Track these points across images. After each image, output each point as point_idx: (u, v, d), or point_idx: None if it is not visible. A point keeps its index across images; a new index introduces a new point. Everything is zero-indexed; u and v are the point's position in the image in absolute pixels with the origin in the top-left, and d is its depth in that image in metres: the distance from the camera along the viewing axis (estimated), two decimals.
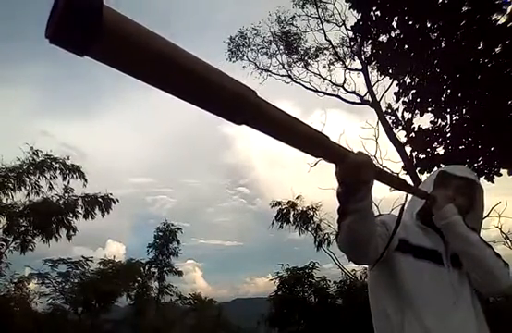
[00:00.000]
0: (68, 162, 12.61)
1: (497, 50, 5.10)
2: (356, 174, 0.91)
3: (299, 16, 14.23)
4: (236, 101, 0.61)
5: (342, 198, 1.00)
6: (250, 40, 14.80)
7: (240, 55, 14.86)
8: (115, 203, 13.44)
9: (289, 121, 0.72)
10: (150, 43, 0.50)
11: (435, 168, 5.14)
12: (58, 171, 12.44)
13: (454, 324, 1.23)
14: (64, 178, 12.51)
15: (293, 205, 13.29)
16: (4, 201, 11.76)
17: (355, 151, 0.91)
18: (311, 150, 0.80)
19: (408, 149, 7.93)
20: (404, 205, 1.23)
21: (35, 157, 12.23)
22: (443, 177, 1.45)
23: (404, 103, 6.10)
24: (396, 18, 5.52)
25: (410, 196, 1.37)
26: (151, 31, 0.51)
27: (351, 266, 12.19)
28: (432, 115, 6.15)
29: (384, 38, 5.88)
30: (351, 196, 0.97)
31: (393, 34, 5.73)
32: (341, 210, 1.04)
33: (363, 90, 13.01)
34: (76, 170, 12.61)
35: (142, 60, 0.51)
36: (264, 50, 14.82)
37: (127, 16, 0.49)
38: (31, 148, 12.18)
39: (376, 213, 1.48)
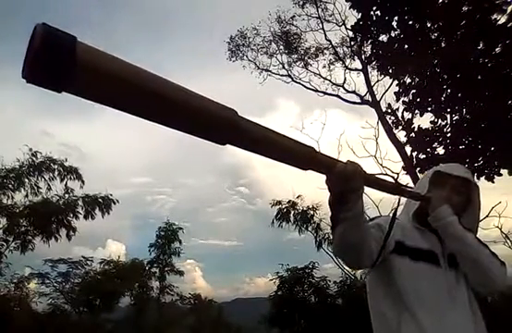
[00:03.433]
0: (67, 163, 12.68)
1: (497, 50, 5.10)
2: (344, 184, 0.91)
3: (299, 15, 14.27)
4: (216, 122, 0.61)
5: (333, 207, 1.01)
6: (250, 39, 14.83)
7: (240, 54, 14.89)
8: (115, 203, 13.49)
9: (273, 138, 0.72)
10: (126, 76, 0.51)
11: None
12: (56, 172, 12.48)
13: (451, 324, 1.24)
14: (62, 180, 12.56)
15: (293, 205, 13.30)
16: (4, 201, 11.79)
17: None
18: (299, 164, 0.80)
19: (408, 149, 7.93)
20: (396, 209, 1.24)
21: (34, 159, 12.28)
22: (438, 176, 1.44)
23: (404, 103, 6.10)
24: (396, 18, 5.52)
25: (404, 199, 1.37)
26: (126, 63, 0.52)
27: None
28: (432, 115, 6.15)
29: (384, 38, 5.88)
30: (342, 205, 0.98)
31: (393, 34, 5.73)
32: (333, 218, 1.05)
33: (363, 90, 13.04)
34: (74, 172, 12.64)
35: (120, 92, 0.51)
36: (264, 50, 14.85)
37: (101, 50, 0.49)
38: (30, 149, 12.24)
39: (377, 213, 1.49)
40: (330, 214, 1.05)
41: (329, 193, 0.97)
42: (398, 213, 1.53)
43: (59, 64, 0.45)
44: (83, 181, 12.79)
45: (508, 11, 4.81)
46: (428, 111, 6.06)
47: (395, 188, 1.12)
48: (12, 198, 11.90)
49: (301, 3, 13.96)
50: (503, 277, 1.31)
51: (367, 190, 1.06)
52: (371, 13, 5.57)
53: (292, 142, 0.76)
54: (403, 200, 1.35)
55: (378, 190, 1.08)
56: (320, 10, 13.90)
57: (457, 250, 1.32)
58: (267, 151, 0.73)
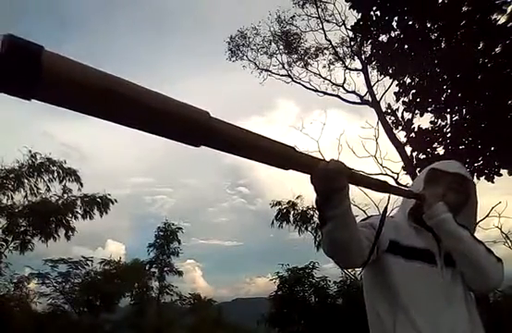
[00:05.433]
0: (66, 165, 12.70)
1: (497, 50, 5.10)
2: (328, 182, 0.91)
3: (299, 15, 14.26)
4: (187, 125, 0.62)
5: (319, 206, 1.01)
6: (250, 39, 14.83)
7: (240, 54, 14.88)
8: (113, 203, 13.51)
9: (249, 138, 0.72)
10: (94, 82, 0.52)
11: None
12: (56, 173, 12.51)
13: (446, 325, 1.22)
14: (60, 182, 12.59)
15: (293, 205, 13.30)
16: (3, 201, 11.81)
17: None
18: (279, 164, 0.80)
19: (408, 149, 7.94)
20: (386, 207, 1.22)
21: (33, 160, 12.30)
22: (433, 174, 1.42)
23: (404, 103, 6.10)
24: (396, 18, 5.52)
25: (397, 197, 1.36)
26: (92, 69, 0.53)
27: None
28: (432, 115, 6.16)
29: (384, 38, 5.88)
30: (327, 204, 0.98)
31: (393, 34, 5.73)
32: (320, 217, 1.05)
33: (363, 90, 13.03)
34: (72, 174, 12.66)
35: (92, 99, 0.53)
36: (264, 50, 14.85)
37: (68, 58, 0.51)
38: (30, 151, 12.26)
39: (377, 213, 1.47)
40: (318, 213, 1.05)
41: (315, 193, 0.97)
42: (395, 211, 1.52)
43: (26, 71, 0.46)
44: (81, 184, 12.85)
45: (508, 11, 4.82)
46: (428, 111, 6.06)
47: (382, 185, 1.11)
48: (12, 198, 11.93)
49: (301, 3, 13.97)
50: (498, 273, 1.29)
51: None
52: (371, 13, 5.57)
53: (270, 142, 0.76)
54: (395, 198, 1.34)
55: (365, 187, 1.07)
56: (320, 10, 13.91)
57: (452, 247, 1.31)
58: (243, 151, 0.73)
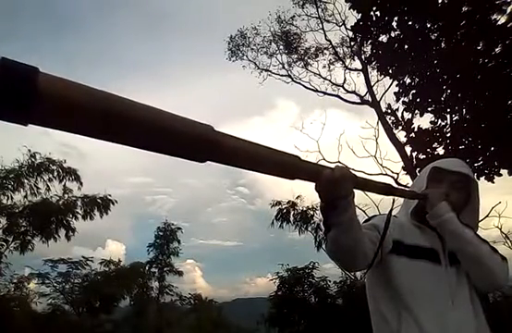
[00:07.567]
0: (65, 164, 12.68)
1: (497, 50, 5.11)
2: (333, 190, 0.90)
3: (299, 15, 14.25)
4: (191, 141, 0.60)
5: (324, 212, 1.02)
6: (250, 39, 14.82)
7: (240, 54, 14.87)
8: (113, 204, 13.46)
9: (253, 150, 0.70)
10: (93, 103, 0.50)
11: None
12: (55, 173, 12.50)
13: (452, 325, 1.21)
14: (60, 181, 12.58)
15: (293, 205, 13.28)
16: (3, 201, 11.80)
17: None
18: (284, 174, 0.79)
19: (408, 149, 7.93)
20: (391, 209, 1.22)
21: (33, 159, 12.29)
22: (436, 172, 1.41)
23: (404, 103, 6.10)
24: (396, 18, 5.53)
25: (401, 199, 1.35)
26: (90, 89, 0.51)
27: None
28: (432, 115, 6.16)
29: (383, 38, 5.89)
30: (332, 210, 0.98)
31: (393, 34, 5.74)
32: (325, 223, 1.06)
33: (363, 90, 13.02)
34: (72, 173, 12.65)
35: (90, 120, 0.50)
36: (264, 50, 14.84)
37: (65, 79, 0.48)
38: (29, 151, 12.26)
39: (376, 212, 1.47)
40: (322, 219, 1.05)
41: (320, 200, 0.97)
42: (397, 210, 1.52)
43: (21, 96, 0.44)
44: (81, 183, 12.82)
45: (508, 11, 4.82)
46: (428, 111, 6.06)
47: (385, 189, 1.11)
48: (12, 198, 11.93)
49: (301, 3, 13.96)
50: (504, 272, 1.29)
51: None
52: (371, 13, 5.57)
53: (275, 154, 0.74)
54: (399, 200, 1.33)
55: (369, 191, 1.07)
56: (320, 10, 13.91)
57: (456, 247, 1.30)
58: (249, 165, 0.71)
